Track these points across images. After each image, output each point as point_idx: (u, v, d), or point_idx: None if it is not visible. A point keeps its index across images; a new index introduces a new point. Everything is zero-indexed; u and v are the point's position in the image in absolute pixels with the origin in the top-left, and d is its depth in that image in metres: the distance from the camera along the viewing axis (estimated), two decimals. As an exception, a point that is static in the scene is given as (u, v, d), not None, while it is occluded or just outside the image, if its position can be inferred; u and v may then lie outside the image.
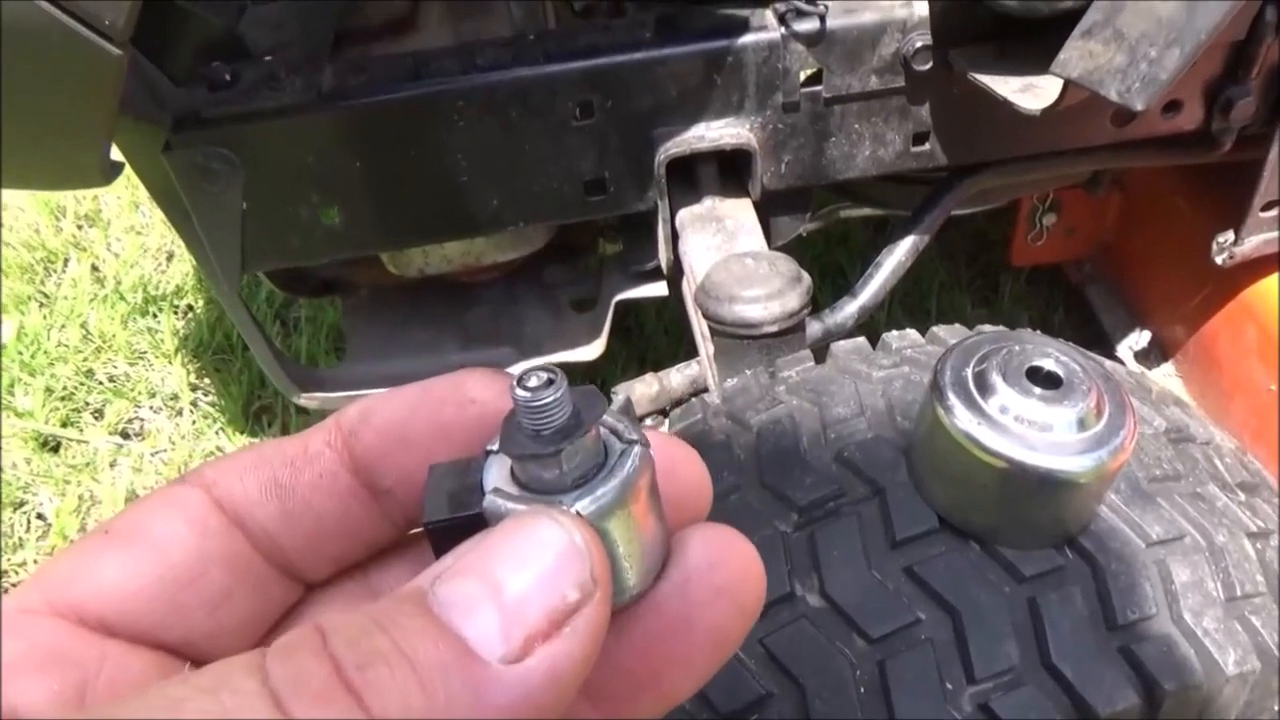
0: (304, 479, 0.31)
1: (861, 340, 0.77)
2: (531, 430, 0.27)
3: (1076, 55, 0.82)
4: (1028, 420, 0.51)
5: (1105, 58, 0.79)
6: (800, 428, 0.62)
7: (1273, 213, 1.19)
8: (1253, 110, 1.07)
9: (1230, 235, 1.20)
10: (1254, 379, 1.29)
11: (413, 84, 0.96)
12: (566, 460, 0.27)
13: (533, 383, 0.27)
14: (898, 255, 1.18)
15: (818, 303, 1.82)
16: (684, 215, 1.07)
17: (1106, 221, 1.59)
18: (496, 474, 0.28)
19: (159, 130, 0.95)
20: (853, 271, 1.78)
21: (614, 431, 0.29)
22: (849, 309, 1.18)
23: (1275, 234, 1.21)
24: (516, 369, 0.29)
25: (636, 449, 0.28)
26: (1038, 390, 0.52)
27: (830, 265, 1.77)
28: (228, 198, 0.97)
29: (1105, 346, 1.58)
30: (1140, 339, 1.53)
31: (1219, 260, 1.22)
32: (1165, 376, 1.48)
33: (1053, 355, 0.54)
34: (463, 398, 0.32)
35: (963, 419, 0.52)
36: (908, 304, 1.71)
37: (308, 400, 1.14)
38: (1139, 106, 0.78)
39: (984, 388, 0.53)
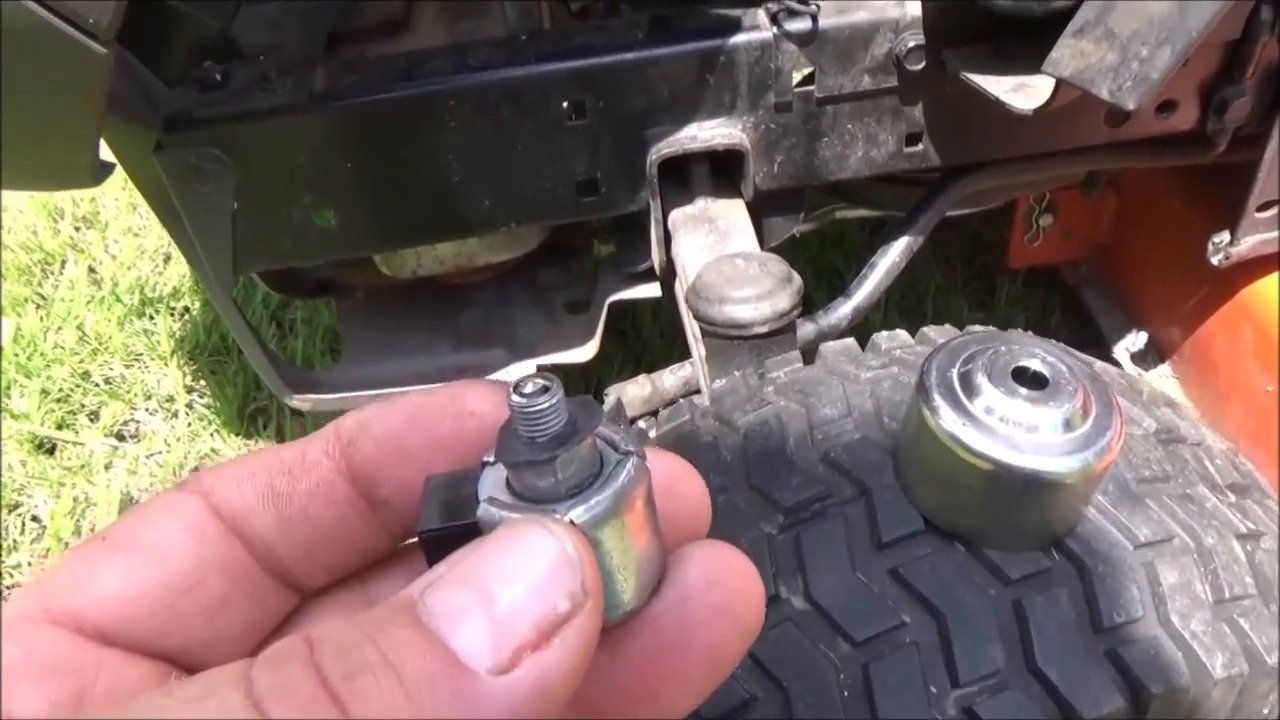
0: (301, 487, 0.31)
1: (850, 341, 0.76)
2: (527, 437, 0.27)
3: (1068, 54, 0.81)
4: (1013, 421, 0.51)
5: (1097, 56, 0.79)
6: (787, 428, 0.62)
7: (1269, 213, 1.18)
8: (1248, 110, 1.06)
9: (1226, 236, 1.20)
10: (1251, 381, 1.29)
11: (405, 84, 0.96)
12: (561, 468, 0.27)
13: (528, 389, 0.27)
14: (892, 256, 1.18)
15: (812, 304, 1.81)
16: (676, 216, 1.06)
17: (1103, 223, 1.59)
18: (492, 484, 0.28)
19: (151, 132, 0.94)
20: (848, 273, 1.78)
21: (610, 443, 0.29)
22: (843, 310, 1.18)
23: (1272, 234, 1.20)
24: (512, 375, 0.29)
25: (632, 460, 0.28)
26: (1023, 391, 0.52)
27: (826, 267, 1.77)
28: (219, 199, 0.97)
29: (1102, 349, 1.57)
30: (1137, 340, 1.52)
31: (1215, 261, 1.22)
32: (1162, 378, 1.47)
33: (1039, 355, 0.54)
34: (461, 409, 0.32)
35: (948, 420, 0.52)
36: (904, 306, 1.70)
37: (300, 402, 1.14)
38: (1130, 105, 0.77)
39: (969, 388, 0.52)
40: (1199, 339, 1.40)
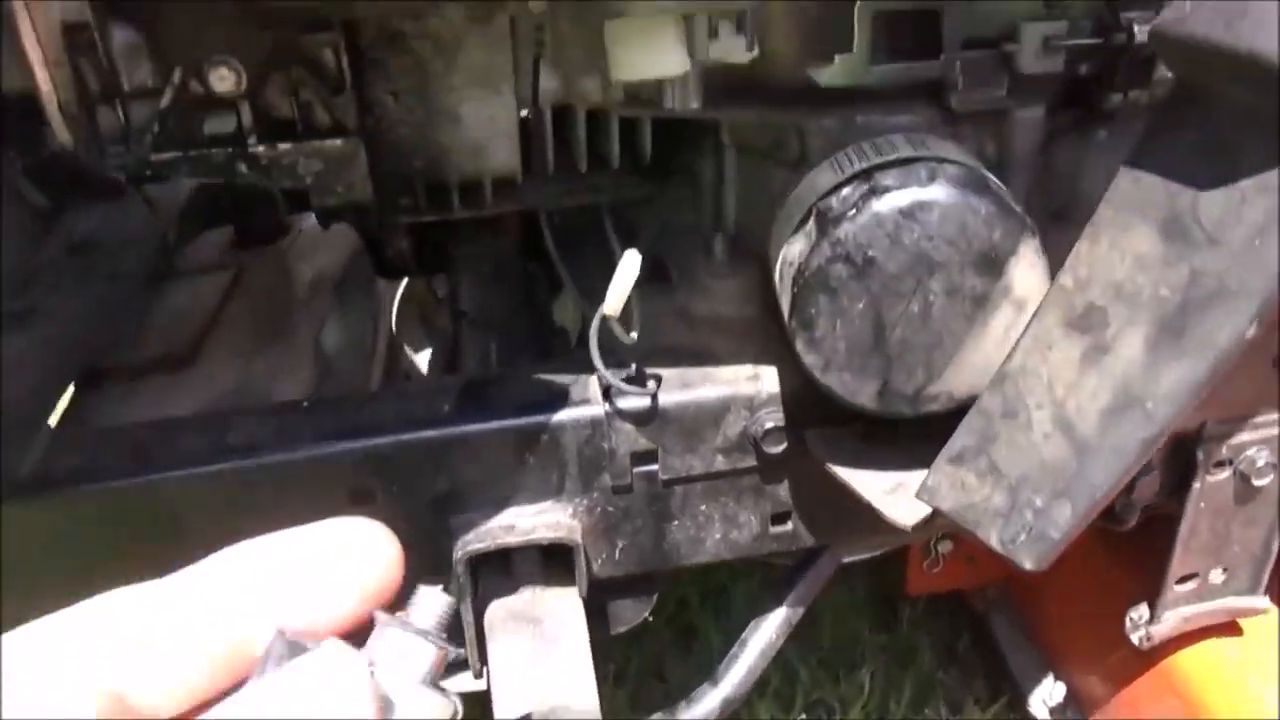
0: None
1: None
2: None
3: (947, 482, 0.66)
4: None
5: (981, 494, 0.64)
6: None
7: (1189, 586, 1.04)
8: (1156, 489, 0.93)
9: (1145, 612, 1.04)
10: (1187, 769, 1.10)
11: (141, 469, 0.77)
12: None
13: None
14: (766, 634, 1.00)
15: (695, 632, 1.59)
16: (495, 611, 0.86)
17: (1009, 550, 1.44)
18: None
19: None
20: (734, 586, 1.59)
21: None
22: (709, 701, 0.98)
23: (1195, 608, 1.05)
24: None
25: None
26: None
27: (712, 585, 1.58)
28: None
29: (1016, 687, 1.39)
30: (1054, 692, 1.34)
31: (1135, 639, 1.05)
32: (1089, 740, 1.28)
33: None
34: None
35: None
36: (802, 634, 1.50)
37: None
38: (1029, 566, 0.61)
39: None
40: (1124, 703, 1.22)
